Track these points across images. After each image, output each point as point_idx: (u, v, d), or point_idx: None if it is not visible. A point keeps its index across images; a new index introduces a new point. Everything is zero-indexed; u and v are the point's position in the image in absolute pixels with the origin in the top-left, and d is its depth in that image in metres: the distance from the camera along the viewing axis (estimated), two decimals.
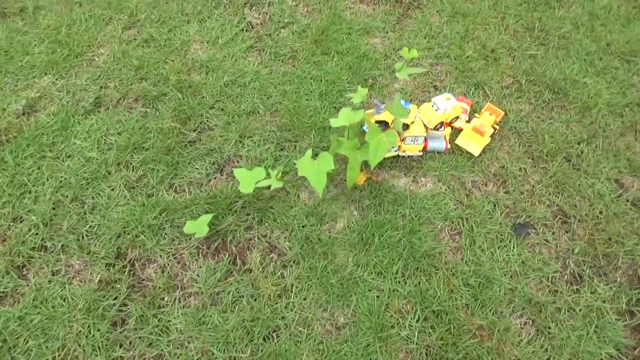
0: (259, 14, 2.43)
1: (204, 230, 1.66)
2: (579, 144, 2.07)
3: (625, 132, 2.12)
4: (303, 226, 1.79)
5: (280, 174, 1.65)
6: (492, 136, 2.03)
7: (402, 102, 1.86)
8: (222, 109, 2.07)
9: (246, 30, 2.36)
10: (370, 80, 2.21)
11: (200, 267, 1.68)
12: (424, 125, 1.95)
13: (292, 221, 1.80)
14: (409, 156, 1.98)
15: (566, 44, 2.41)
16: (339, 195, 1.87)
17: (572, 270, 1.75)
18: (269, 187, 1.65)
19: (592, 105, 2.17)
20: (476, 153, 1.99)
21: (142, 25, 2.32)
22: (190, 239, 1.72)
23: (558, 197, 1.91)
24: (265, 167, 1.84)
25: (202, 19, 2.38)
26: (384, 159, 1.93)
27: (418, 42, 2.36)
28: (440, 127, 1.97)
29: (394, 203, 1.86)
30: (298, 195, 1.87)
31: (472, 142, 2.01)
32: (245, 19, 2.39)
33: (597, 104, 2.18)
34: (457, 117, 2.01)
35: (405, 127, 1.90)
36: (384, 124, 1.89)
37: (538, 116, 2.15)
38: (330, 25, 2.37)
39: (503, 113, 2.05)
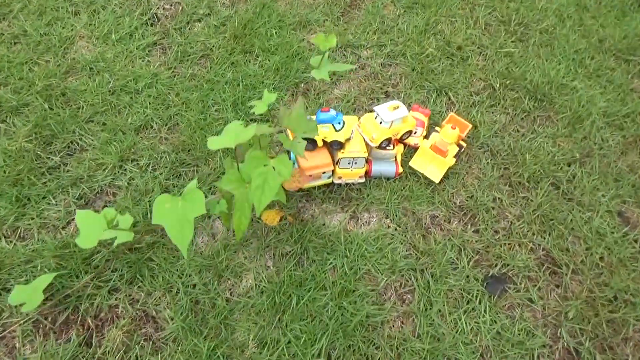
0: (170, 5, 1.93)
1: (36, 299, 1.14)
2: (569, 165, 1.59)
3: (628, 150, 1.65)
4: (193, 286, 1.28)
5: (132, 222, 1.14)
6: (457, 156, 1.55)
7: (332, 112, 1.37)
8: (103, 123, 1.56)
9: (151, 24, 1.86)
10: (302, 85, 1.72)
11: (36, 353, 1.16)
12: (366, 142, 1.46)
13: (177, 279, 1.28)
14: (346, 184, 1.49)
15: (550, 40, 1.95)
16: (250, 239, 1.37)
17: (565, 344, 1.25)
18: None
19: (585, 115, 1.71)
20: (436, 179, 1.50)
21: (15, 18, 1.81)
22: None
23: (545, 238, 1.43)
24: (119, 210, 1.35)
25: (95, 10, 1.87)
26: (314, 188, 1.43)
27: (367, 38, 1.88)
28: (388, 146, 1.48)
29: (323, 249, 1.36)
30: (192, 240, 1.36)
31: (432, 165, 1.52)
32: (150, 9, 1.89)
33: (590, 113, 1.71)
34: (410, 132, 1.52)
35: (339, 145, 1.40)
36: (313, 143, 1.40)
37: (517, 130, 1.68)
38: (257, 18, 1.88)
39: (471, 126, 1.56)
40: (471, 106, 1.72)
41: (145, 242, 1.32)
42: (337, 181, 1.47)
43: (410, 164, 1.52)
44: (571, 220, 1.47)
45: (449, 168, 1.52)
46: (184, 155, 1.50)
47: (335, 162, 1.44)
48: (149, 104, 1.62)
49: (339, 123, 1.38)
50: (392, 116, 1.42)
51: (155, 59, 1.76)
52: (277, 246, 1.36)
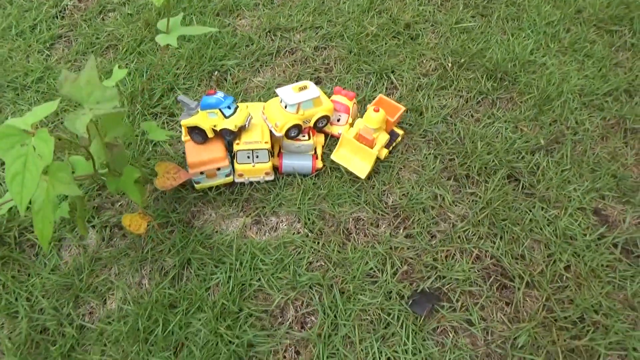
0: None
1: None
2: (532, 154, 1.29)
3: (608, 134, 1.34)
4: (41, 310, 1.03)
5: None
6: (390, 146, 1.27)
7: (219, 94, 1.13)
8: None
9: (61, 17, 1.67)
10: (216, 73, 1.48)
11: None
12: (271, 132, 1.21)
13: (24, 302, 1.04)
14: (250, 183, 1.23)
15: (517, 13, 1.67)
16: (127, 250, 1.12)
17: None
18: None
19: (555, 95, 1.41)
20: (362, 174, 1.23)
21: None
22: None
23: (494, 243, 1.13)
24: None
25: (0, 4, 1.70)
26: (210, 189, 1.19)
27: (300, 20, 1.64)
28: (300, 135, 1.22)
29: (210, 261, 1.10)
30: (54, 251, 1.12)
31: (357, 158, 1.25)
32: (62, 2, 1.71)
33: (562, 92, 1.41)
34: (328, 119, 1.26)
35: (231, 135, 1.15)
36: (202, 133, 1.16)
37: (470, 114, 1.39)
38: (177, 3, 1.67)
39: (403, 109, 1.29)
40: (417, 89, 1.45)
41: None
42: (238, 179, 1.22)
43: (332, 157, 1.26)
44: (530, 220, 1.17)
45: (379, 160, 1.25)
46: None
47: (233, 157, 1.19)
48: (35, 100, 1.41)
49: (228, 107, 1.13)
50: (298, 98, 1.16)
51: (56, 53, 1.56)
52: (157, 258, 1.11)
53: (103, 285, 1.07)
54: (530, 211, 1.18)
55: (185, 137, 1.20)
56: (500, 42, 1.57)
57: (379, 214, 1.19)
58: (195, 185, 1.20)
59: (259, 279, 1.07)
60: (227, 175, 1.20)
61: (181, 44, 1.55)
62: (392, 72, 1.49)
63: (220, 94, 1.13)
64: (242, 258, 1.10)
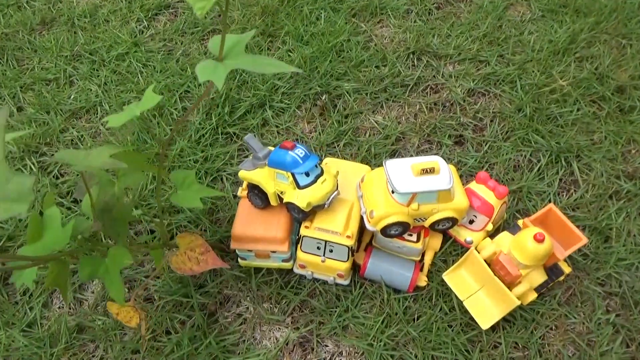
0: None
1: None
2: None
3: None
4: None
5: None
6: (541, 290, 0.80)
7: (299, 150, 0.75)
8: (40, 94, 1.14)
9: None
10: (324, 97, 1.10)
11: None
12: (362, 219, 0.80)
13: None
14: (314, 279, 0.84)
15: None
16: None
17: None
18: None
19: None
20: (484, 323, 0.77)
21: None
22: None
23: None
24: None
25: None
26: (260, 269, 0.84)
27: (460, 45, 1.18)
28: (403, 234, 0.80)
29: None
30: (43, 297, 0.85)
31: (482, 293, 0.79)
32: None
33: None
34: (455, 221, 0.81)
35: (300, 214, 0.77)
36: (263, 197, 0.79)
37: None
38: None
39: (584, 241, 0.78)
40: (611, 198, 0.92)
41: None
42: (298, 271, 0.84)
43: (445, 275, 0.81)
44: None
45: (516, 308, 0.78)
46: None
47: (298, 240, 0.81)
48: (105, 82, 1.15)
49: (306, 175, 0.74)
50: (415, 186, 0.73)
51: (154, 26, 1.29)
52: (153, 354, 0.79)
53: None
54: None
55: (242, 191, 0.84)
56: None
57: None
58: (240, 261, 0.84)
59: None
60: (284, 261, 0.83)
61: (297, 47, 1.18)
62: (578, 157, 0.98)
63: (300, 150, 0.75)
64: None
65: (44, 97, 1.14)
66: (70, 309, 0.84)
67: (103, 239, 0.89)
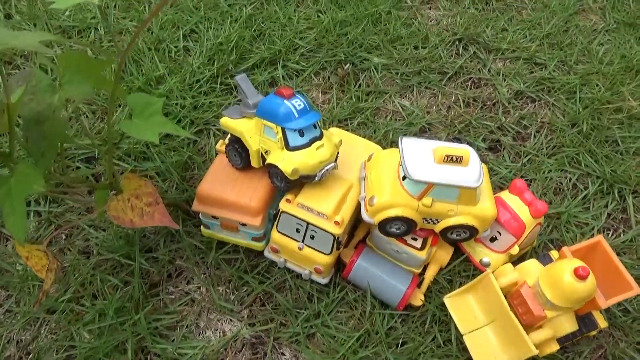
0: None
1: None
2: None
3: None
4: None
5: None
6: (566, 341, 0.62)
7: (298, 100, 0.58)
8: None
9: None
10: (347, 67, 0.94)
11: None
12: (359, 206, 0.64)
13: None
14: (286, 269, 0.68)
15: None
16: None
17: None
18: None
19: None
20: None
21: None
22: None
23: None
24: None
25: None
26: (225, 245, 0.67)
27: (516, 41, 1.01)
28: (406, 234, 0.63)
29: None
30: None
31: (491, 332, 0.62)
32: None
33: None
34: (473, 231, 0.63)
35: (283, 182, 0.61)
36: (244, 154, 0.63)
37: None
38: None
39: (636, 291, 0.60)
40: None
41: None
42: (269, 255, 0.67)
43: (446, 298, 0.64)
44: None
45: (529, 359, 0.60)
46: None
47: (275, 216, 0.65)
48: (152, 66, 1.01)
49: (300, 133, 0.59)
50: (435, 175, 0.57)
51: None
52: (67, 328, 0.64)
53: None
54: None
55: (221, 145, 0.69)
56: None
57: None
58: (202, 230, 0.69)
59: None
60: (254, 239, 0.67)
61: (327, 8, 1.03)
62: (634, 193, 0.80)
63: (298, 101, 0.59)
64: None
65: (37, 9, 1.00)
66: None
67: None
